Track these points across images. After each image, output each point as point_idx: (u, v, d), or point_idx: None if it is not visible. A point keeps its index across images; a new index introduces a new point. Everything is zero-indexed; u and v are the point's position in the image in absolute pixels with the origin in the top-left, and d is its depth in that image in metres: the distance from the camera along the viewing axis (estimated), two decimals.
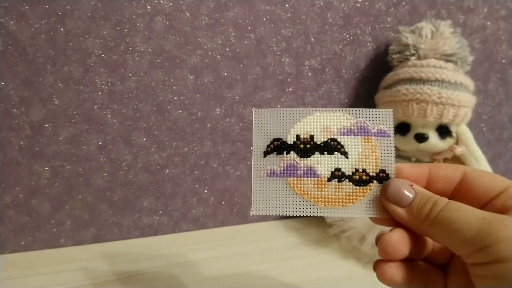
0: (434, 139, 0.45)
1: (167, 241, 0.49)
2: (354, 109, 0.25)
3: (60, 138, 0.43)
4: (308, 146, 0.25)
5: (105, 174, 0.46)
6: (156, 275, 0.41)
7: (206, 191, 0.51)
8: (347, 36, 0.52)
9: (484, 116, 0.61)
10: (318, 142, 0.25)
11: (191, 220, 0.51)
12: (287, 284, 0.40)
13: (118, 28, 0.43)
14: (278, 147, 0.26)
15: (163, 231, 0.50)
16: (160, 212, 0.50)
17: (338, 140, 0.25)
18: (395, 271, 0.23)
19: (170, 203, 0.50)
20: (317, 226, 0.52)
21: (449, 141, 0.46)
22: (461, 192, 0.24)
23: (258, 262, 0.44)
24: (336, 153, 0.25)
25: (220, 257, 0.45)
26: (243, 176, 0.52)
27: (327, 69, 0.52)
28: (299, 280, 0.40)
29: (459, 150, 0.46)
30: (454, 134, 0.46)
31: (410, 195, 0.23)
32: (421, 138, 0.45)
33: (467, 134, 0.46)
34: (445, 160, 0.48)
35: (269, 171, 0.25)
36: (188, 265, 0.43)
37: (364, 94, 0.55)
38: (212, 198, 0.52)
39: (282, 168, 0.25)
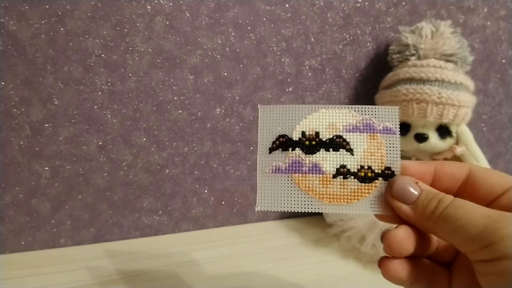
0: (434, 139, 0.46)
1: (167, 241, 0.49)
2: (360, 106, 0.25)
3: (60, 138, 0.43)
4: (314, 142, 0.25)
5: (105, 174, 0.46)
6: (156, 275, 0.41)
7: (206, 191, 0.51)
8: (347, 36, 0.52)
9: (484, 116, 0.61)
10: (324, 139, 0.25)
11: (191, 220, 0.51)
12: (287, 284, 0.40)
13: (118, 28, 0.43)
14: (283, 143, 0.26)
15: (163, 231, 0.50)
16: (160, 212, 0.50)
17: (344, 137, 0.25)
18: (399, 267, 0.23)
19: (170, 203, 0.50)
20: (317, 226, 0.52)
21: (449, 141, 0.46)
22: (466, 189, 0.24)
23: (258, 262, 0.44)
24: (341, 150, 0.25)
25: (220, 257, 0.45)
26: (243, 176, 0.52)
27: (327, 69, 0.52)
28: (299, 280, 0.40)
29: (459, 150, 0.46)
30: (454, 134, 0.46)
31: (416, 192, 0.23)
32: (421, 138, 0.45)
33: (467, 134, 0.46)
34: (445, 160, 0.48)
35: (274, 167, 0.25)
36: (188, 265, 0.43)
37: (364, 94, 0.55)
38: (212, 198, 0.52)
39: (287, 164, 0.25)
